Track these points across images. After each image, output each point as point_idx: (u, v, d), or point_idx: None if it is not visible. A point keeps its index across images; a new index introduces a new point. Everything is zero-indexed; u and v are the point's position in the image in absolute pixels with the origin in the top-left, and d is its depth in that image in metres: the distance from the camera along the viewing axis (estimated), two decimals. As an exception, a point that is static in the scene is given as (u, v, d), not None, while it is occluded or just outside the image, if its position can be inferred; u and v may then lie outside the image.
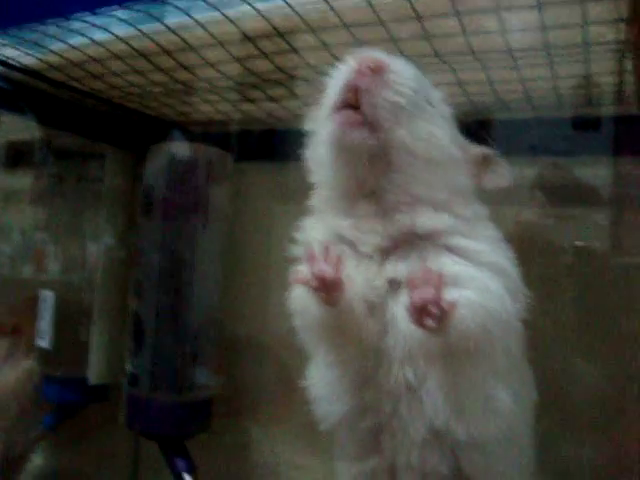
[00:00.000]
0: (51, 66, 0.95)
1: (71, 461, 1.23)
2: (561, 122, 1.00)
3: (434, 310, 0.56)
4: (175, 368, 1.07)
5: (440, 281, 0.57)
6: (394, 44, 0.79)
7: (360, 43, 0.79)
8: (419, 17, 0.72)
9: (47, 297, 1.15)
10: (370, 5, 0.72)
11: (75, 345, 1.16)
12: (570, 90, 0.91)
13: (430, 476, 0.66)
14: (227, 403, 1.17)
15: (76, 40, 0.89)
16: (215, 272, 1.13)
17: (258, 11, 0.76)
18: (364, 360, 0.65)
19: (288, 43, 0.82)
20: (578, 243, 1.01)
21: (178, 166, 1.09)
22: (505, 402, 0.64)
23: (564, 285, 1.01)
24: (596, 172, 1.02)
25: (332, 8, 0.73)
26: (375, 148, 0.62)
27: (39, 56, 0.93)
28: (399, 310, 0.62)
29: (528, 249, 0.97)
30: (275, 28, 0.78)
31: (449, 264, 0.63)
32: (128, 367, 1.10)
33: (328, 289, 0.61)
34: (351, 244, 0.66)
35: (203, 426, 1.12)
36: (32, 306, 1.08)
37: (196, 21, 0.80)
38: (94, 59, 0.92)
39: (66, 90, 1.01)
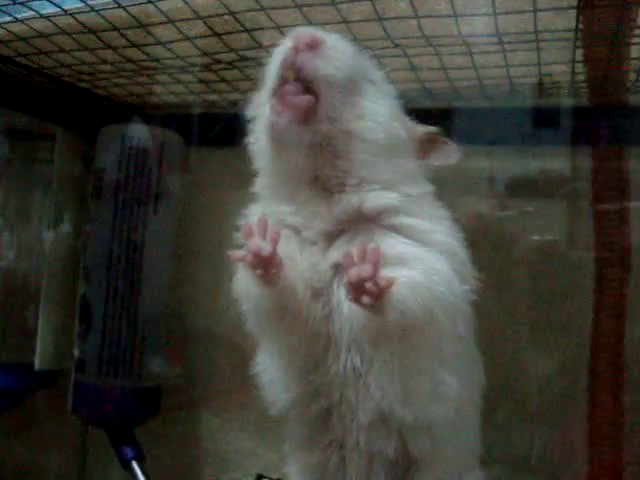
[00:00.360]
0: (-2, 40, 0.92)
1: (17, 448, 1.20)
2: (516, 112, 1.01)
3: (371, 287, 0.56)
4: (123, 353, 1.06)
5: (377, 257, 0.57)
6: (346, 26, 0.78)
7: (312, 24, 0.78)
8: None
9: (-9, 280, 1.12)
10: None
11: (22, 330, 1.13)
12: (523, 79, 0.91)
13: (378, 458, 0.66)
14: (179, 392, 1.16)
15: (24, 14, 0.87)
16: (166, 258, 1.12)
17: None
18: (310, 345, 0.64)
19: (239, 22, 0.81)
20: (534, 237, 1.02)
21: (130, 148, 1.07)
22: (452, 386, 0.64)
23: (517, 276, 1.02)
24: (551, 164, 1.03)
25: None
26: (315, 135, 0.62)
27: (-17, 30, 0.90)
28: (343, 295, 0.62)
29: (482, 240, 0.98)
30: (225, 5, 0.77)
31: (395, 244, 0.63)
32: (76, 352, 1.08)
33: (264, 265, 0.60)
34: (295, 230, 0.66)
35: (152, 413, 1.11)
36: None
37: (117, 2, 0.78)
38: (42, 34, 0.89)
39: (13, 66, 0.98)
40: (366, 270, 0.56)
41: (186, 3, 0.78)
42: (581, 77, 0.90)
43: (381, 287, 0.57)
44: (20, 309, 1.13)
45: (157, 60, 0.93)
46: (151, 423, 1.11)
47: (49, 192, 1.15)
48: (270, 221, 0.61)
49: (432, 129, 0.71)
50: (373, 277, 0.56)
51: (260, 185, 0.70)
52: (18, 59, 0.97)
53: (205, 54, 0.90)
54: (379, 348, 0.62)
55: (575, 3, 0.72)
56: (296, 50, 0.61)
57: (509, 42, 0.80)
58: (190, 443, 1.17)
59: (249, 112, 0.71)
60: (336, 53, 0.62)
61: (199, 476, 1.16)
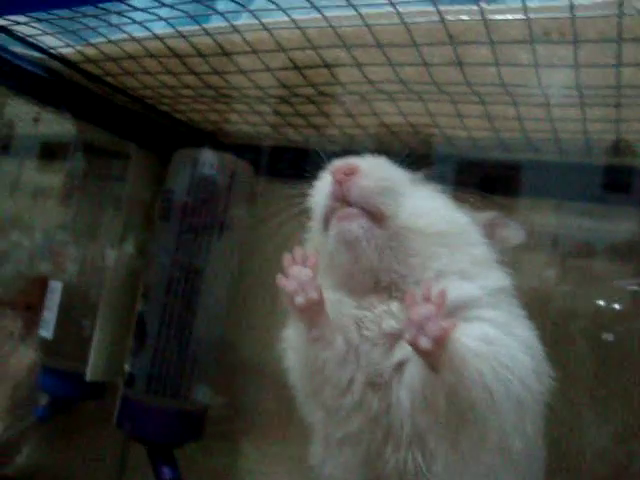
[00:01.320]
0: (88, 59, 0.96)
1: (58, 456, 1.22)
2: (590, 169, 0.99)
3: (432, 328, 0.54)
4: (172, 374, 1.06)
5: (442, 299, 0.56)
6: (425, 69, 0.79)
7: (392, 64, 0.79)
8: (452, 40, 0.71)
9: (55, 287, 1.15)
10: (405, 26, 0.72)
11: (77, 340, 1.15)
12: (599, 135, 0.90)
13: None
14: (222, 422, 1.16)
15: (116, 36, 0.91)
16: (225, 286, 1.13)
17: (293, 20, 0.76)
18: (368, 435, 0.64)
19: (320, 57, 0.83)
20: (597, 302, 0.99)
21: (200, 173, 1.10)
22: None
23: (578, 342, 0.98)
24: (624, 225, 1.00)
25: (367, 25, 0.73)
26: (382, 235, 0.65)
27: (78, 48, 0.94)
28: (404, 391, 0.62)
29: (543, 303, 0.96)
30: (308, 40, 0.79)
31: (477, 328, 0.61)
32: (126, 367, 1.09)
33: (305, 289, 0.62)
34: (357, 324, 0.66)
35: (194, 436, 1.11)
36: (42, 286, 1.08)
37: (233, 27, 0.81)
38: (131, 56, 0.93)
39: (100, 84, 1.03)
40: (429, 309, 0.55)
41: (271, 34, 0.79)
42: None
43: (444, 328, 0.55)
44: (78, 319, 1.15)
45: (236, 88, 0.95)
46: (191, 450, 1.11)
47: (119, 209, 1.18)
48: (311, 254, 0.65)
49: (493, 214, 0.73)
50: (436, 318, 0.55)
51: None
52: (106, 78, 1.02)
53: (284, 86, 0.92)
54: (440, 441, 0.61)
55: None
56: (337, 181, 0.66)
57: (588, 96, 0.79)
58: (228, 473, 1.17)
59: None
60: (374, 169, 0.67)
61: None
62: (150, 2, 0.80)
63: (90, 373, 1.13)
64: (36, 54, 0.97)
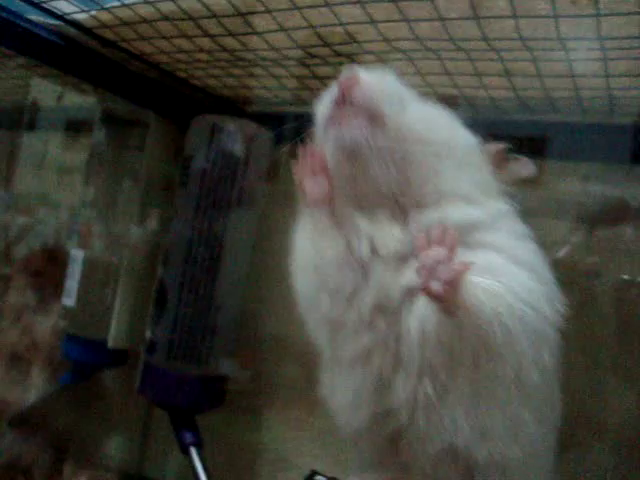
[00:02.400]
0: (103, 24, 0.96)
1: (82, 423, 1.23)
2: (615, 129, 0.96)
3: (444, 271, 0.53)
4: (193, 340, 1.07)
5: (454, 240, 0.54)
6: (442, 24, 0.77)
7: (408, 19, 0.77)
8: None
9: (77, 256, 1.16)
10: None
11: (99, 308, 1.16)
12: (626, 92, 0.87)
13: None
14: (247, 396, 1.17)
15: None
16: (245, 254, 1.13)
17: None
18: (378, 363, 0.63)
19: (335, 15, 0.81)
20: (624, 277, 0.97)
21: (218, 139, 1.09)
22: (529, 424, 0.61)
23: (602, 306, 0.96)
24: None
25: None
26: (382, 138, 0.62)
27: (92, 13, 0.94)
28: (414, 321, 0.60)
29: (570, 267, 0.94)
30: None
31: (481, 257, 0.60)
32: (147, 334, 1.10)
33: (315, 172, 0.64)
34: (368, 240, 0.64)
35: (215, 402, 1.12)
36: (48, 254, 1.08)
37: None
38: (146, 20, 0.92)
39: (117, 51, 1.02)
40: (441, 253, 0.54)
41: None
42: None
43: (456, 271, 0.54)
44: (100, 287, 1.16)
45: (251, 50, 0.94)
46: (216, 422, 1.12)
47: (138, 178, 1.18)
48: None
49: (502, 145, 0.70)
50: (448, 261, 0.54)
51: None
52: (121, 44, 1.01)
53: (299, 47, 0.90)
54: (453, 375, 0.59)
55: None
56: (341, 88, 0.64)
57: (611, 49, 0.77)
58: (250, 437, 1.18)
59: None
60: (378, 76, 0.66)
61: (254, 470, 1.15)
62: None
63: (112, 340, 1.14)
64: (52, 21, 0.96)
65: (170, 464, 1.19)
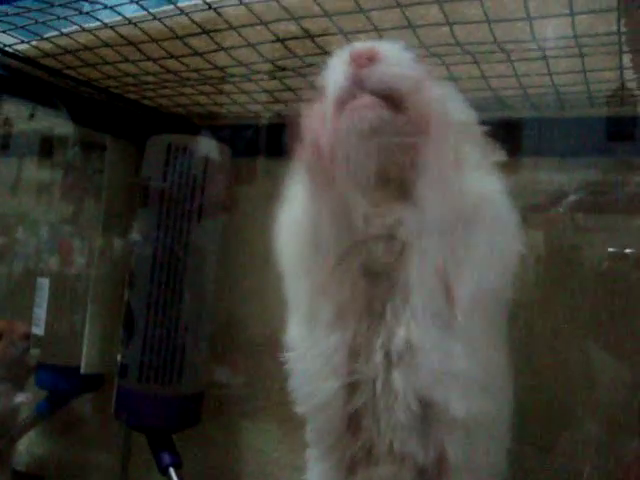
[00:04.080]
0: (46, 54, 0.95)
1: (62, 450, 1.24)
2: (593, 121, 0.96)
3: None
4: (163, 361, 1.07)
5: None
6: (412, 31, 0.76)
7: (342, 31, 0.77)
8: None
9: (43, 284, 1.16)
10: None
11: (70, 334, 1.16)
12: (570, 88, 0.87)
13: (408, 464, 0.62)
14: (219, 401, 1.17)
15: (69, 28, 0.90)
16: (210, 267, 1.12)
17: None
18: (360, 318, 0.62)
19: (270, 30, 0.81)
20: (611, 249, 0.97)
21: (174, 158, 1.09)
22: (497, 378, 0.64)
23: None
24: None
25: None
26: (401, 121, 0.61)
27: (33, 43, 0.93)
28: (407, 270, 0.61)
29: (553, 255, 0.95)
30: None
31: None
32: (119, 358, 1.10)
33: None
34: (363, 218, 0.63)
35: (192, 420, 1.11)
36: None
37: (179, 8, 0.79)
38: (85, 47, 0.92)
39: (62, 78, 1.01)
40: None
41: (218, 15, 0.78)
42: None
43: None
44: (69, 313, 1.16)
45: (196, 70, 0.94)
46: (212, 430, 1.13)
47: (100, 200, 1.18)
48: None
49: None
50: None
51: None
52: (67, 72, 1.01)
53: (241, 64, 0.90)
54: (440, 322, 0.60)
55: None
56: (357, 64, 0.61)
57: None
58: (229, 452, 1.18)
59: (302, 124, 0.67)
60: (396, 55, 0.63)
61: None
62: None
63: (84, 366, 1.14)
64: (-6, 54, 0.96)
65: (153, 485, 1.19)
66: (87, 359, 1.13)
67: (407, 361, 0.61)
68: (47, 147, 1.50)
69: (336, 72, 0.63)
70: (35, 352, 1.16)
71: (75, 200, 1.24)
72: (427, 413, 0.61)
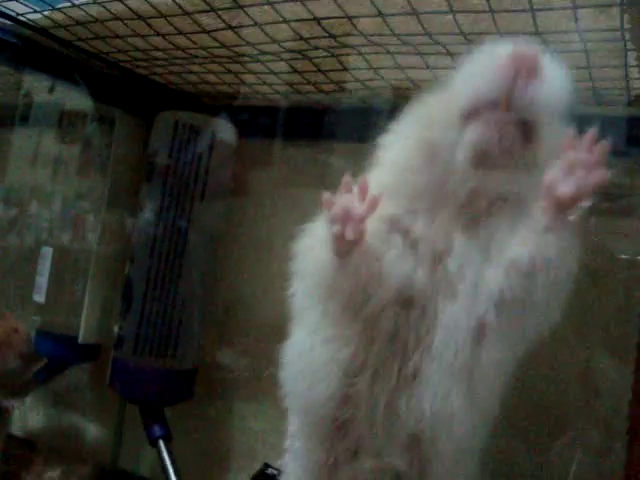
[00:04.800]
0: (58, 24, 0.96)
1: (57, 417, 1.25)
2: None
3: (582, 175, 0.53)
4: (159, 334, 1.08)
5: (604, 151, 0.53)
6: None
7: (347, 15, 0.78)
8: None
9: (46, 253, 1.17)
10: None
11: (70, 304, 1.18)
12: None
13: (389, 470, 0.62)
14: (215, 379, 1.18)
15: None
16: (209, 246, 1.14)
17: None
18: (368, 343, 0.60)
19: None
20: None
21: (181, 134, 1.10)
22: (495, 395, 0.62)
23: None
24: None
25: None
26: (525, 155, 0.56)
27: (46, 13, 0.94)
28: (447, 307, 0.59)
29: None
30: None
31: None
32: (116, 329, 1.12)
33: (347, 224, 0.55)
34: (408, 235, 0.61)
35: (184, 395, 1.13)
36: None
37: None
38: (96, 19, 0.93)
39: (74, 50, 1.03)
40: (587, 156, 0.53)
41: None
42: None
43: (590, 180, 0.53)
44: (70, 284, 1.17)
45: (204, 48, 0.94)
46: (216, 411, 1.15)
47: (106, 173, 1.19)
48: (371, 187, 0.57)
49: None
50: (590, 166, 0.52)
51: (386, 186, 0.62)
52: (78, 43, 1.02)
53: (248, 43, 0.91)
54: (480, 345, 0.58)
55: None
56: (516, 73, 0.54)
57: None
58: (219, 429, 1.19)
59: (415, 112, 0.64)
60: (556, 86, 0.56)
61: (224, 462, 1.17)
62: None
63: (82, 335, 1.15)
64: (7, 22, 0.97)
65: (144, 457, 1.21)
66: (85, 329, 1.15)
67: (413, 389, 0.59)
68: (65, 121, 1.52)
69: (483, 73, 0.56)
70: (34, 319, 1.18)
71: (91, 175, 1.26)
72: (421, 438, 0.60)
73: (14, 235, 1.54)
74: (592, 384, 0.93)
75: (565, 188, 0.52)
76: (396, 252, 0.60)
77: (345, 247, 0.57)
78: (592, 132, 0.54)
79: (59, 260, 1.18)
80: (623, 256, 0.93)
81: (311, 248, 0.62)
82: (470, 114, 0.57)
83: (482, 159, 0.56)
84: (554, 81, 0.55)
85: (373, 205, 0.55)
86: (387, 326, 0.60)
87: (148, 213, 1.11)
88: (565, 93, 0.56)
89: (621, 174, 0.93)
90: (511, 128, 0.55)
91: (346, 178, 0.57)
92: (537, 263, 0.55)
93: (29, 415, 1.25)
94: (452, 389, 0.59)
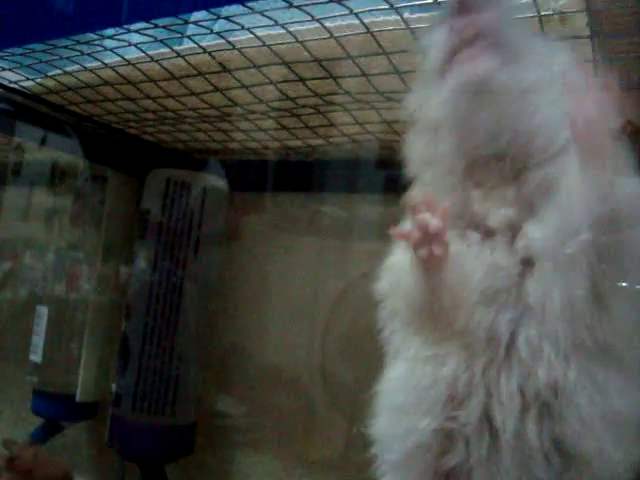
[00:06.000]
0: (50, 90, 0.99)
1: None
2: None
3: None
4: (156, 391, 1.08)
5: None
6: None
7: (331, 76, 0.80)
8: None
9: (42, 312, 1.18)
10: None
11: (66, 362, 1.18)
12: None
13: None
14: (216, 430, 1.18)
15: (72, 67, 0.93)
16: (205, 300, 1.15)
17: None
18: (464, 361, 0.53)
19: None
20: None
21: (173, 191, 1.12)
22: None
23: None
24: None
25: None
26: (512, 74, 0.53)
27: (38, 80, 0.97)
28: (538, 291, 0.52)
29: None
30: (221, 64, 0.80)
31: None
32: (113, 387, 1.12)
33: (431, 242, 0.52)
34: (475, 221, 0.56)
35: (184, 451, 1.13)
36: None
37: (175, 51, 0.83)
38: (88, 85, 0.95)
39: (66, 114, 1.05)
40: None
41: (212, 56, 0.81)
42: None
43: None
44: (66, 341, 1.18)
45: (193, 109, 0.97)
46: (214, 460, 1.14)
47: (100, 230, 1.21)
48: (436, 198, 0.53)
49: None
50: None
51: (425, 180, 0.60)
52: (70, 107, 1.04)
53: (235, 104, 0.93)
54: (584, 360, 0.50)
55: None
56: (458, 12, 0.54)
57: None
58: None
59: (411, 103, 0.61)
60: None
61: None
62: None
63: (80, 394, 1.15)
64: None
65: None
66: (82, 387, 1.15)
67: (548, 406, 0.50)
68: (57, 175, 1.54)
69: (436, 30, 0.56)
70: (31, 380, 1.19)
71: (84, 226, 1.27)
72: (568, 468, 0.50)
73: (8, 290, 1.55)
74: None
75: (589, 111, 0.48)
76: (476, 248, 0.55)
77: (435, 265, 0.53)
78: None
79: (55, 315, 1.19)
80: None
81: (398, 282, 0.58)
82: (442, 67, 0.56)
83: (476, 93, 0.53)
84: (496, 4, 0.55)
85: (445, 214, 0.52)
86: (485, 329, 0.53)
87: (142, 270, 1.12)
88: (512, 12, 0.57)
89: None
90: (485, 54, 0.53)
91: (410, 200, 0.54)
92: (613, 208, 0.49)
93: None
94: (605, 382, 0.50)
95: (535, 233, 0.53)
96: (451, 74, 0.54)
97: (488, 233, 0.55)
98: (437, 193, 0.55)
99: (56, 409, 1.17)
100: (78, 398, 1.15)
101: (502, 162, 0.55)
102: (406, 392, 0.55)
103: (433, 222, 0.52)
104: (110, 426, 1.11)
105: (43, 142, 1.49)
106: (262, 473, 1.15)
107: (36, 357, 1.17)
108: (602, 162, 0.49)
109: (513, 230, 0.54)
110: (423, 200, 0.53)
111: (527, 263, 0.53)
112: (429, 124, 0.58)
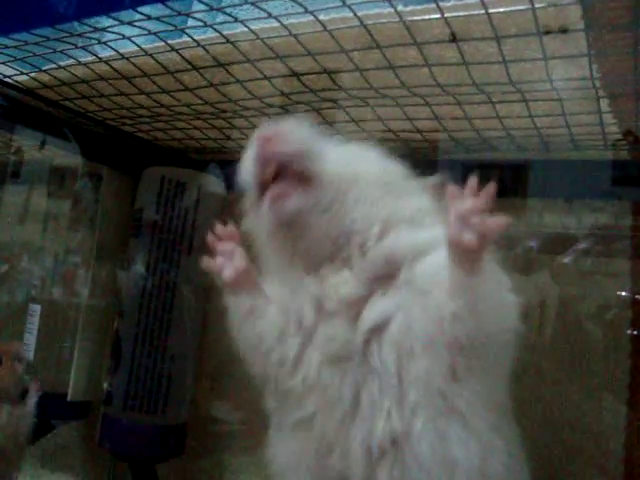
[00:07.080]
0: (44, 85, 0.98)
1: (47, 477, 1.23)
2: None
3: (477, 221, 0.51)
4: (148, 391, 1.07)
5: (490, 194, 0.53)
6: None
7: (325, 71, 0.79)
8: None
9: (34, 310, 1.17)
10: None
11: (59, 361, 1.17)
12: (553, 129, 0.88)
13: None
14: (204, 432, 1.17)
15: (66, 61, 0.93)
16: (199, 300, 1.14)
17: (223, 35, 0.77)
18: (325, 419, 0.60)
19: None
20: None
21: (168, 190, 1.11)
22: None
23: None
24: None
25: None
26: (317, 196, 0.61)
27: (32, 75, 0.96)
28: (387, 353, 0.58)
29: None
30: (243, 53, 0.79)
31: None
32: (105, 386, 1.11)
33: (231, 260, 0.65)
34: (314, 301, 0.63)
35: (175, 451, 1.12)
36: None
37: (169, 45, 0.82)
38: (82, 80, 0.94)
39: (60, 109, 1.04)
40: (475, 202, 0.52)
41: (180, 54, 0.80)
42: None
43: (488, 225, 0.52)
44: (58, 340, 1.17)
45: (188, 106, 0.96)
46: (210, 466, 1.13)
47: (94, 229, 1.20)
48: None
49: (439, 177, 0.68)
50: (481, 212, 0.51)
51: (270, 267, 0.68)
52: (65, 103, 1.03)
53: (230, 101, 0.92)
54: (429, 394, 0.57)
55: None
56: (262, 147, 0.62)
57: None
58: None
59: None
60: (293, 133, 0.63)
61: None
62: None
63: (71, 393, 1.14)
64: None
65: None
66: (74, 386, 1.14)
67: (392, 455, 0.57)
68: (56, 177, 1.53)
69: (246, 162, 0.64)
70: (25, 378, 1.17)
71: (81, 229, 1.26)
72: None
73: (4, 291, 1.54)
74: (585, 427, 0.92)
75: (468, 236, 0.52)
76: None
77: (240, 286, 0.68)
78: (473, 179, 0.54)
79: (48, 316, 1.18)
80: (612, 296, 0.94)
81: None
82: (258, 196, 0.63)
83: (291, 224, 0.62)
84: (293, 133, 0.62)
85: (236, 237, 0.68)
86: (331, 389, 0.60)
87: (136, 268, 1.11)
88: (307, 135, 0.63)
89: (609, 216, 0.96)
90: (288, 191, 0.61)
91: (209, 236, 0.69)
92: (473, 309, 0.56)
93: (18, 476, 1.23)
94: (448, 434, 0.56)
95: (381, 307, 0.60)
96: (265, 210, 0.62)
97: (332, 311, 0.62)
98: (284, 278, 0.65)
99: (47, 408, 1.15)
100: (70, 397, 1.14)
101: (340, 253, 0.62)
102: (280, 458, 0.65)
103: (227, 245, 0.67)
104: (101, 425, 1.10)
105: (42, 145, 1.49)
106: (253, 474, 1.14)
107: (28, 355, 1.16)
108: (469, 265, 0.54)
109: (357, 307, 0.61)
110: (219, 231, 0.68)
111: (373, 333, 0.60)
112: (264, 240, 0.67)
